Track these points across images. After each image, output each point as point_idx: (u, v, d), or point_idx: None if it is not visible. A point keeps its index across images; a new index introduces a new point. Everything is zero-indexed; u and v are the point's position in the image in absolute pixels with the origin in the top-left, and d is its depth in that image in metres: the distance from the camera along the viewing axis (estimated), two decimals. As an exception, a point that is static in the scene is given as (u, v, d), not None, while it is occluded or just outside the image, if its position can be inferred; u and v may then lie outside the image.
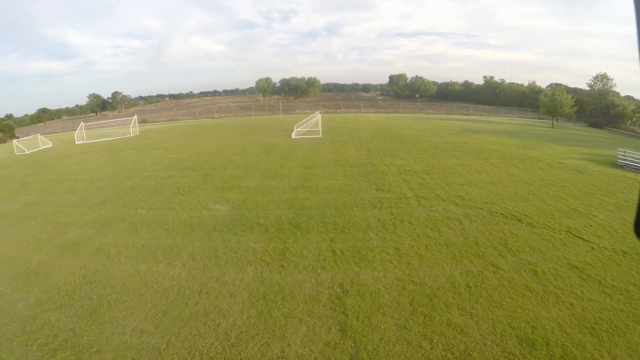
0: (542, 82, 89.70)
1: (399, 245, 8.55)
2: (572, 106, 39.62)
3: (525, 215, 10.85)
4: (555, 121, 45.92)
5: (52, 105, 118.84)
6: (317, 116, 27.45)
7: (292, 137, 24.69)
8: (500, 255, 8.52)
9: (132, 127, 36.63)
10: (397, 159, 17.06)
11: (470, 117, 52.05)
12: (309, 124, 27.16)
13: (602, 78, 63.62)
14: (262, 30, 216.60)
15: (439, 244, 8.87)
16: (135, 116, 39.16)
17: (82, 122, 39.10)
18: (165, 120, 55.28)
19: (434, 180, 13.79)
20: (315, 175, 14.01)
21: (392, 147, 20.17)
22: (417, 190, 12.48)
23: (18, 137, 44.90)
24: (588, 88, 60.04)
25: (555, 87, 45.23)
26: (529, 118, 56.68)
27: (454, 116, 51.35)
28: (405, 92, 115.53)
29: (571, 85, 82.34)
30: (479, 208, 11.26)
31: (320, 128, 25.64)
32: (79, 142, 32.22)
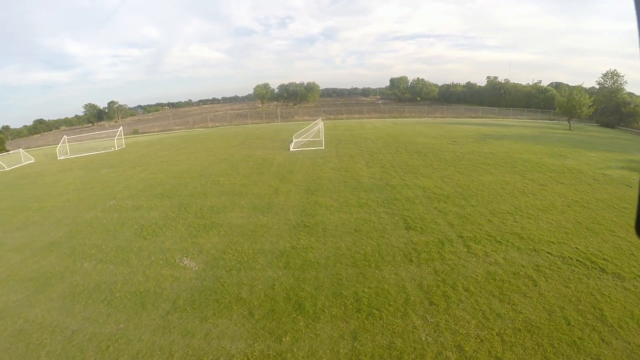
0: (543, 82, 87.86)
1: (462, 340, 5.34)
2: (589, 106, 37.12)
3: (604, 259, 7.83)
4: (571, 122, 44.13)
5: (53, 116, 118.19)
6: (319, 124, 24.35)
7: (291, 149, 21.50)
8: (603, 342, 5.44)
9: (117, 139, 33.78)
10: (420, 177, 13.87)
11: (480, 119, 49.13)
12: (310, 134, 24.04)
13: (613, 75, 61.10)
14: (260, 37, 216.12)
15: (518, 329, 5.68)
16: (121, 128, 36.18)
17: (65, 136, 36.37)
18: (158, 131, 52.38)
19: (475, 208, 10.59)
20: (321, 206, 10.79)
21: (410, 160, 16.97)
22: (460, 226, 9.27)
23: (8, 151, 42.37)
24: (597, 86, 57.89)
25: (573, 87, 42.90)
26: (540, 119, 54.05)
27: (463, 119, 48.36)
28: (406, 95, 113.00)
29: (572, 83, 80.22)
30: (547, 252, 8.10)
31: (322, 138, 22.50)
32: (61, 158, 29.45)
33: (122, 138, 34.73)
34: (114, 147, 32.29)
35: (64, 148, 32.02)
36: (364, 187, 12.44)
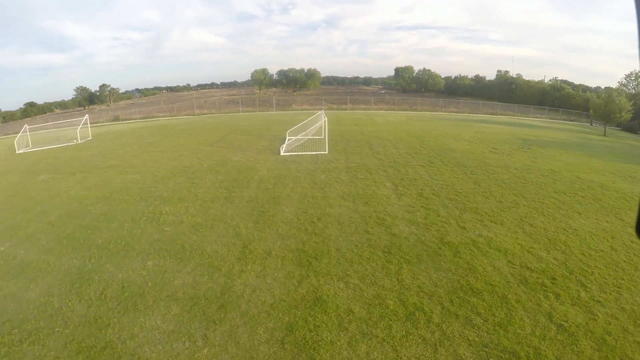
0: (542, 77, 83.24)
1: None
2: (628, 111, 33.16)
3: None
4: (593, 124, 41.47)
5: (51, 99, 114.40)
6: (322, 118, 18.69)
7: (281, 153, 15.85)
8: None
9: (85, 129, 28.34)
10: (487, 221, 8.43)
11: (500, 117, 43.67)
12: (309, 130, 18.30)
13: (637, 77, 56.47)
14: (262, 22, 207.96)
15: None
16: (86, 117, 30.28)
17: (26, 125, 30.70)
18: (139, 118, 46.47)
19: (608, 309, 5.36)
20: (329, 313, 5.12)
21: (457, 182, 11.47)
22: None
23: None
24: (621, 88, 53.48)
25: (612, 89, 38.44)
26: (561, 119, 48.87)
27: (482, 116, 42.79)
28: (412, 85, 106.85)
29: (575, 82, 75.26)
30: None
31: (326, 138, 16.84)
32: (20, 151, 24.02)
33: (88, 128, 29.13)
34: (77, 139, 26.54)
35: (25, 139, 26.49)
36: (403, 249, 6.92)
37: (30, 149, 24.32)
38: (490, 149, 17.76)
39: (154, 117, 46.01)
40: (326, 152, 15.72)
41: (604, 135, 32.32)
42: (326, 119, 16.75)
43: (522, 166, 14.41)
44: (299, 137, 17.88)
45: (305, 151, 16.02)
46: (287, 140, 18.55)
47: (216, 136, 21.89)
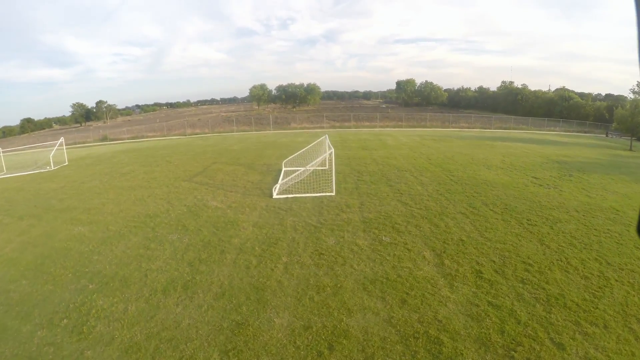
0: (542, 86, 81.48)
1: None
2: None
3: None
4: (609, 136, 39.81)
5: (52, 114, 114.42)
6: (327, 149, 15.43)
7: (274, 195, 12.48)
8: None
9: (61, 153, 25.51)
10: (582, 320, 4.97)
11: (516, 132, 40.72)
12: (313, 162, 14.80)
13: (652, 84, 53.64)
14: (262, 38, 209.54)
15: None
16: (62, 139, 27.22)
17: None
18: (127, 138, 43.59)
19: None
20: None
21: (516, 241, 8.10)
22: None
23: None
24: (633, 96, 50.89)
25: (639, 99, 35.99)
26: (576, 132, 46.15)
27: (498, 132, 39.73)
28: (415, 99, 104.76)
29: (576, 89, 73.08)
30: None
31: (333, 172, 13.48)
32: None
33: (63, 150, 26.11)
34: (50, 165, 23.44)
35: (0, 163, 23.45)
36: None
37: (4, 174, 21.35)
38: (531, 179, 14.55)
39: (143, 137, 43.11)
40: (333, 194, 12.42)
41: (630, 149, 29.59)
42: (332, 150, 13.45)
43: (580, 206, 11.14)
44: (297, 168, 14.61)
45: (305, 192, 12.69)
46: (282, 174, 15.32)
47: (199, 166, 18.60)
